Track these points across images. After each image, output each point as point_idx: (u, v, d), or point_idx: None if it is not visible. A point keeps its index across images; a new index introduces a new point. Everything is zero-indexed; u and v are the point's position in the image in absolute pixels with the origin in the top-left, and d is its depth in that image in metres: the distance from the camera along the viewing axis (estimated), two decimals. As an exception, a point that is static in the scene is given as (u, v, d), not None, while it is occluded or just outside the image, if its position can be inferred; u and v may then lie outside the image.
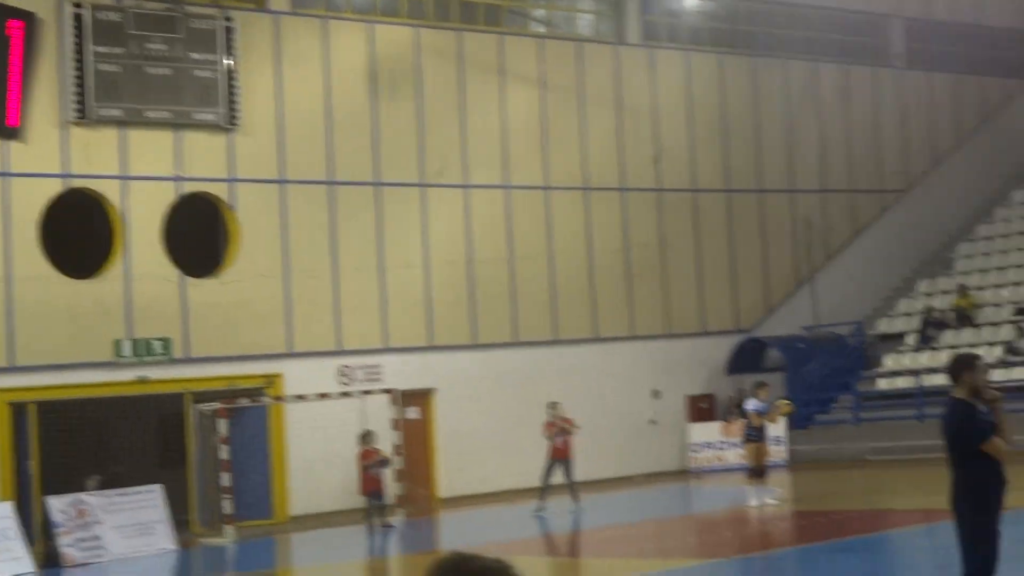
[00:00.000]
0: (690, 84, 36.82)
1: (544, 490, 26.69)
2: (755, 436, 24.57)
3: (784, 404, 25.89)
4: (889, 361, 36.21)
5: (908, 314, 38.04)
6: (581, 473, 30.05)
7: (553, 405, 27.42)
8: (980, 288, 37.55)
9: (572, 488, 26.69)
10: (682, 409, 35.80)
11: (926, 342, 35.89)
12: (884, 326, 38.30)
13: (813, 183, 38.91)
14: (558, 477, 26.87)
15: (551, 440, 27.02)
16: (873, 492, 26.82)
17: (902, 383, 34.81)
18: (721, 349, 36.46)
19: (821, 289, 38.51)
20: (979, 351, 31.66)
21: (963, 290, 36.89)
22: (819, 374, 36.51)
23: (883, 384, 35.59)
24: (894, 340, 37.41)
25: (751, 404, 24.96)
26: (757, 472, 24.50)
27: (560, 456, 26.93)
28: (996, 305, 36.53)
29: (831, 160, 39.34)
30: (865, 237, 39.83)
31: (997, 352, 33.64)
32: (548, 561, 20.97)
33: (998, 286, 37.46)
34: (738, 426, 28.72)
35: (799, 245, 38.58)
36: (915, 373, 34.14)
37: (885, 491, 27.01)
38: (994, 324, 35.54)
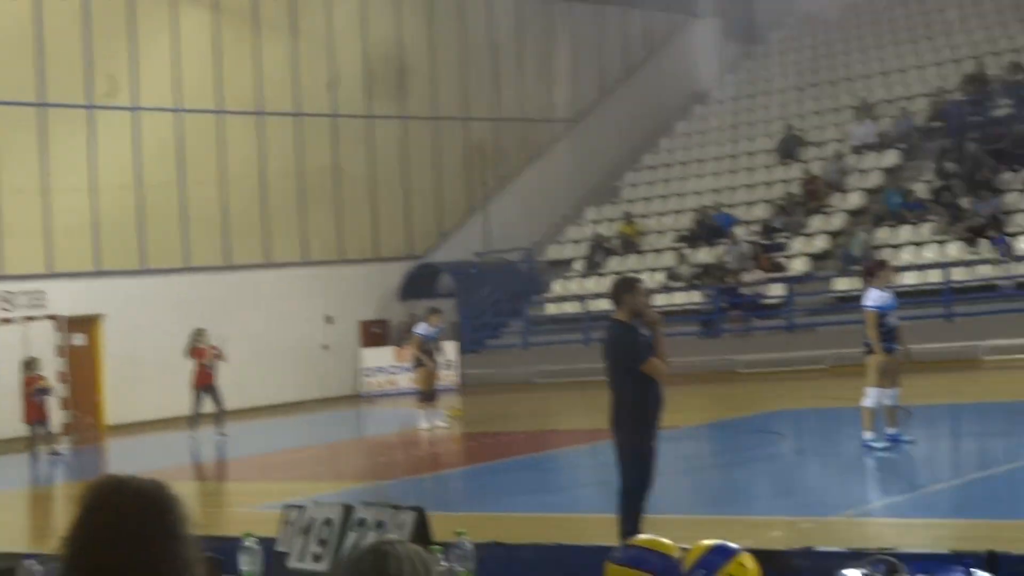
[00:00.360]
0: (365, 9, 36.62)
1: (194, 418, 26.42)
2: (425, 361, 24.79)
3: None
4: (557, 287, 37.03)
5: (576, 241, 38.95)
6: (254, 399, 29.87)
7: (199, 332, 27.04)
8: (644, 216, 38.71)
9: (219, 416, 26.31)
10: (355, 334, 35.87)
11: (593, 268, 36.84)
12: (553, 252, 39.13)
13: (486, 111, 39.34)
14: (209, 405, 26.61)
15: (202, 367, 26.66)
16: (540, 414, 27.46)
17: (570, 308, 35.66)
18: (394, 275, 36.63)
19: (493, 216, 39.06)
20: (643, 277, 32.70)
21: (628, 218, 37.97)
22: (490, 299, 37.10)
23: (552, 309, 36.39)
24: (563, 266, 38.27)
25: (421, 329, 25.16)
26: (427, 396, 24.75)
27: (203, 383, 26.58)
28: (659, 232, 37.73)
29: (504, 89, 39.82)
30: (536, 165, 40.53)
31: (659, 278, 34.78)
32: (214, 486, 20.78)
33: (661, 214, 38.69)
34: (410, 351, 28.95)
35: (472, 172, 39.01)
36: (582, 298, 35.03)
37: (552, 413, 27.68)
38: (657, 251, 36.71)
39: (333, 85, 35.61)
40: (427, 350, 24.81)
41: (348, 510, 5.42)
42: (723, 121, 42.27)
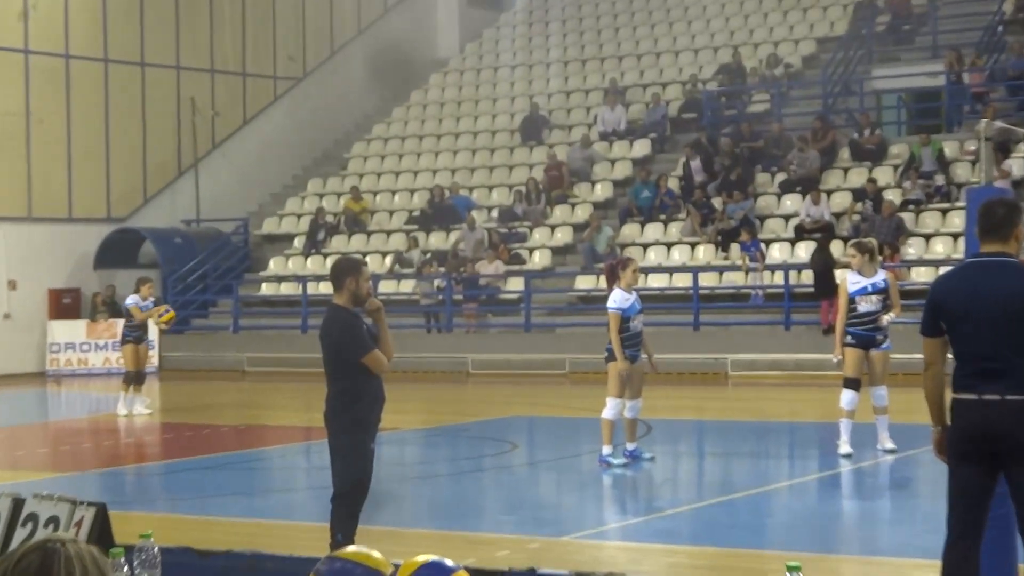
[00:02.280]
0: (68, -62, 35.73)
1: None
2: (134, 337, 24.05)
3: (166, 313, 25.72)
4: (274, 265, 36.68)
5: (297, 215, 38.62)
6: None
7: None
8: (373, 192, 38.58)
9: None
10: (42, 304, 34.92)
11: (314, 247, 36.54)
12: (270, 226, 38.72)
13: (201, 62, 38.72)
14: None
15: None
16: (249, 406, 27.15)
17: (286, 289, 35.39)
18: (90, 239, 35.75)
19: (204, 180, 38.51)
20: (370, 260, 32.70)
21: (356, 193, 37.78)
22: (198, 274, 36.49)
23: (267, 289, 36.06)
24: (281, 242, 37.91)
25: (131, 300, 24.35)
26: (136, 377, 23.99)
27: None
28: (389, 212, 37.66)
29: (222, 38, 39.22)
30: (255, 127, 40.05)
31: (387, 262, 34.74)
32: None
33: (392, 191, 38.60)
34: (106, 326, 28.30)
35: (184, 128, 38.36)
36: (301, 279, 34.77)
37: (262, 405, 27.39)
38: (386, 232, 36.65)
39: (25, 16, 34.56)
40: (140, 323, 24.11)
41: (17, 503, 5.25)
42: (462, 94, 42.38)
